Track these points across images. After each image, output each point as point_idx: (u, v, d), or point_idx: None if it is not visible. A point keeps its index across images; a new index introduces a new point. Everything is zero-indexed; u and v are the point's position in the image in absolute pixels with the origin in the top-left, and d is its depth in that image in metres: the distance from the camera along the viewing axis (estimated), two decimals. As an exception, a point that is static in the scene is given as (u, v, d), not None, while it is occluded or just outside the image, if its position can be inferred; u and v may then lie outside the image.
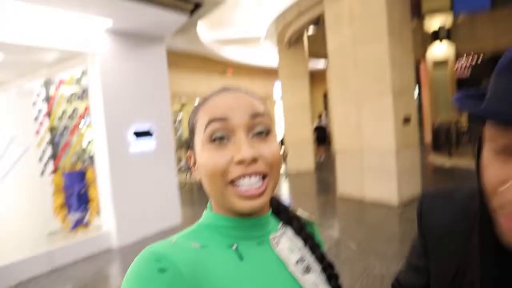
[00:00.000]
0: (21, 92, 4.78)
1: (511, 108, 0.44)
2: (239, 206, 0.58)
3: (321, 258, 0.69)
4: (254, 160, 0.57)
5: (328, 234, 4.78)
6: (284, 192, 8.28)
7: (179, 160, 10.17)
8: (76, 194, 4.96)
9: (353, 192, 6.55)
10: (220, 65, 16.74)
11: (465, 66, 20.17)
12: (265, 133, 0.60)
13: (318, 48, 11.30)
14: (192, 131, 0.64)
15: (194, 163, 0.64)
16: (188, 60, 15.09)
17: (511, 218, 0.46)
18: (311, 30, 10.11)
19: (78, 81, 5.44)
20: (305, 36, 10.96)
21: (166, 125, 5.93)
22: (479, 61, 19.53)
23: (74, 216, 4.93)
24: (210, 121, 0.58)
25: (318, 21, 9.07)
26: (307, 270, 0.64)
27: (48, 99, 5.89)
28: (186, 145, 0.67)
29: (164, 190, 5.73)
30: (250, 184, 0.57)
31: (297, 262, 0.64)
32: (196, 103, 0.66)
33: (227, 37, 12.77)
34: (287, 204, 0.74)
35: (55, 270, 4.33)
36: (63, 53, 4.96)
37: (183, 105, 21.06)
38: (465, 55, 15.88)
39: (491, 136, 0.48)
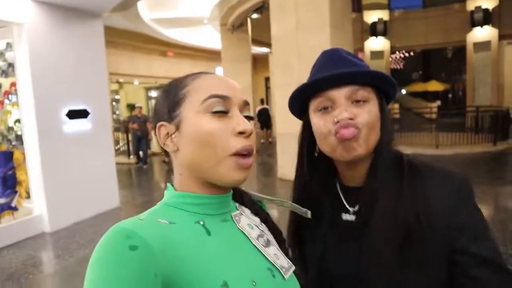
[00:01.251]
0: None
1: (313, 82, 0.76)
2: (234, 176, 0.61)
3: (277, 233, 0.75)
4: (250, 135, 0.62)
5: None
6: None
7: (116, 142, 9.79)
8: (1, 177, 4.60)
9: (292, 174, 6.77)
10: (162, 45, 16.21)
11: (399, 58, 21.48)
12: (250, 118, 0.66)
13: (262, 33, 11.36)
14: (176, 104, 0.64)
15: (167, 134, 0.65)
16: (127, 39, 14.40)
17: (342, 128, 0.73)
18: (255, 15, 10.12)
19: (2, 54, 4.98)
20: (249, 21, 10.96)
21: (103, 105, 5.68)
22: (411, 54, 20.92)
23: None
24: (212, 96, 0.61)
25: (262, 6, 9.12)
26: (268, 243, 0.68)
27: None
28: (156, 117, 0.67)
29: (101, 172, 5.51)
30: (245, 157, 0.61)
31: (257, 237, 0.67)
32: (180, 78, 0.68)
33: (169, 17, 12.36)
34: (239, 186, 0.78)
35: (-22, 258, 4.02)
36: (-15, 22, 4.51)
37: (121, 86, 20.15)
38: (398, 49, 16.91)
39: (313, 103, 0.80)
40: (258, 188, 7.07)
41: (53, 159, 4.83)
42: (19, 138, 4.91)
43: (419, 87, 22.37)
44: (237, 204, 0.72)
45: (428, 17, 14.10)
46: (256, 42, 12.87)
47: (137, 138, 9.64)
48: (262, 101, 14.59)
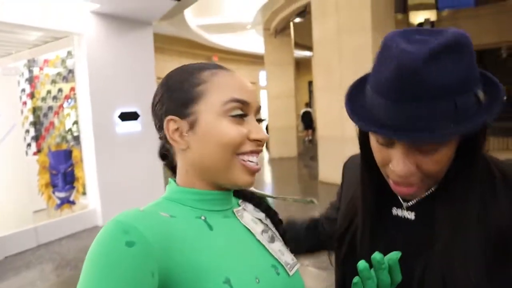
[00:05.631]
0: (6, 70, 4.77)
1: (378, 127, 0.57)
2: (242, 179, 0.61)
3: (281, 229, 0.74)
4: (261, 143, 0.63)
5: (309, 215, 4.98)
6: (268, 177, 8.46)
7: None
8: (62, 173, 5.02)
9: (334, 177, 6.77)
10: (206, 51, 16.65)
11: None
12: (262, 120, 0.69)
13: (304, 37, 11.41)
14: (192, 99, 0.61)
15: (177, 129, 0.62)
16: (174, 45, 14.94)
17: (394, 184, 0.63)
18: (297, 19, 10.21)
19: (63, 62, 5.45)
20: (292, 25, 11.05)
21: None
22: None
23: (60, 195, 5.00)
24: (233, 100, 0.60)
25: (305, 10, 9.18)
26: (272, 239, 0.67)
27: (31, 79, 5.87)
28: (161, 109, 0.64)
29: (149, 171, 5.81)
30: (255, 161, 0.63)
31: (262, 232, 0.67)
32: (193, 71, 0.64)
33: (214, 23, 12.72)
34: None
35: (41, 246, 4.42)
36: (49, 33, 4.97)
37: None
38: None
39: (372, 133, 0.64)
40: (300, 190, 7.11)
41: (107, 158, 5.20)
42: (76, 138, 5.33)
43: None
44: (240, 200, 0.72)
45: (479, 15, 13.39)
46: (299, 46, 12.92)
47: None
48: (306, 105, 15.73)
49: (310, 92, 20.31)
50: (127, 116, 5.49)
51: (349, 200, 0.80)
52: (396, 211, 0.70)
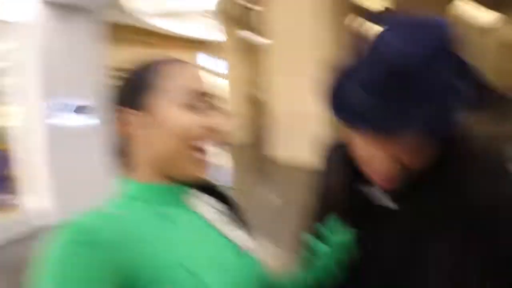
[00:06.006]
0: None
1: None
2: (194, 170, 0.61)
3: (236, 212, 0.75)
4: (217, 131, 0.63)
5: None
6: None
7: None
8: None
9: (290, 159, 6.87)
10: (161, 39, 16.19)
11: None
12: (220, 108, 0.68)
13: (262, 25, 11.38)
14: (146, 90, 0.61)
15: (130, 121, 0.61)
16: (127, 34, 14.43)
17: (374, 175, 0.66)
18: (257, 6, 10.14)
19: (9, 53, 5.05)
20: (251, 12, 10.96)
21: (106, 100, 5.71)
22: None
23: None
24: (188, 89, 0.61)
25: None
26: (227, 222, 0.68)
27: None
28: (115, 101, 0.64)
29: (105, 165, 5.55)
30: (209, 152, 0.62)
31: (217, 218, 0.67)
32: (148, 62, 0.64)
33: (169, 10, 12.37)
34: None
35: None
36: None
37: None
38: None
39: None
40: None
41: (57, 154, 4.91)
42: (15, 135, 4.97)
43: None
44: (193, 189, 0.70)
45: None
46: (259, 30, 12.86)
47: None
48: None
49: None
50: (79, 110, 5.21)
51: (332, 193, 0.79)
52: (380, 202, 0.71)
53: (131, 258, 0.49)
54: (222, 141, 0.65)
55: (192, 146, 0.60)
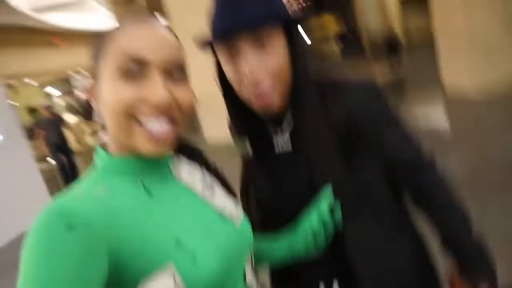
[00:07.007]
0: None
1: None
2: (146, 148, 0.54)
3: (220, 177, 0.73)
4: (168, 105, 0.54)
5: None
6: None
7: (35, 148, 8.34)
8: None
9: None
10: (45, 35, 14.71)
11: None
12: (182, 77, 0.58)
13: (158, 3, 10.88)
14: (96, 58, 0.57)
15: (93, 94, 0.58)
16: (4, 34, 12.85)
17: (255, 97, 0.73)
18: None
19: None
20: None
21: (5, 111, 5.16)
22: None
23: None
24: (127, 57, 0.53)
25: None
26: (212, 190, 0.66)
27: None
28: (91, 71, 0.60)
29: (25, 183, 5.12)
30: (161, 126, 0.54)
31: (202, 187, 0.65)
32: (112, 27, 0.58)
33: (48, 3, 11.21)
34: None
35: None
36: None
37: (15, 90, 18.09)
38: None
39: (218, 49, 0.75)
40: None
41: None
42: None
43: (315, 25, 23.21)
44: (173, 155, 0.66)
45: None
46: (154, 9, 12.29)
47: (55, 148, 6.72)
48: None
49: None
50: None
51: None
52: (277, 149, 0.83)
53: (118, 238, 0.47)
54: (173, 117, 0.55)
55: (134, 120, 0.53)
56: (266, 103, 0.74)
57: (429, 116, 5.57)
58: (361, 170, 0.78)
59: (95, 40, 0.59)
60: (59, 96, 19.81)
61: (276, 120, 0.81)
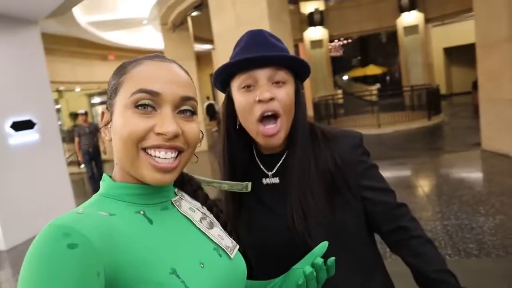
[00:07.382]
0: None
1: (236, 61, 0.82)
2: (149, 177, 0.58)
3: (219, 214, 0.76)
4: (175, 136, 0.58)
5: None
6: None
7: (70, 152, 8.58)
8: None
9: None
10: (100, 49, 15.70)
11: (338, 46, 22.39)
12: (191, 113, 0.62)
13: (203, 31, 11.43)
14: (114, 91, 0.61)
15: (108, 122, 0.62)
16: (64, 45, 13.84)
17: (263, 124, 0.83)
18: (195, 12, 10.18)
19: None
20: (189, 19, 10.98)
21: (49, 114, 5.49)
22: (348, 41, 21.91)
23: None
24: (139, 91, 0.57)
25: (201, 4, 9.20)
26: (211, 225, 0.68)
27: None
28: (106, 101, 0.65)
29: (54, 184, 5.36)
30: (166, 157, 0.58)
31: (200, 219, 0.67)
32: (126, 61, 0.64)
33: (107, 20, 12.04)
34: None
35: None
36: None
37: (60, 94, 19.22)
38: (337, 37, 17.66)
39: (236, 80, 0.85)
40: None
41: (1, 174, 4.68)
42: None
43: (358, 72, 23.52)
44: (176, 189, 0.71)
45: (361, 5, 14.84)
46: (199, 39, 12.90)
47: (88, 157, 6.91)
48: (207, 98, 17.14)
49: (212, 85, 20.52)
50: (20, 125, 4.97)
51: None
52: (265, 180, 0.92)
53: (116, 260, 0.48)
54: (179, 147, 0.59)
55: (145, 150, 0.58)
56: (273, 134, 0.83)
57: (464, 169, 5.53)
58: (341, 210, 0.85)
59: (116, 71, 0.63)
60: (99, 105, 20.86)
61: (270, 155, 0.91)
